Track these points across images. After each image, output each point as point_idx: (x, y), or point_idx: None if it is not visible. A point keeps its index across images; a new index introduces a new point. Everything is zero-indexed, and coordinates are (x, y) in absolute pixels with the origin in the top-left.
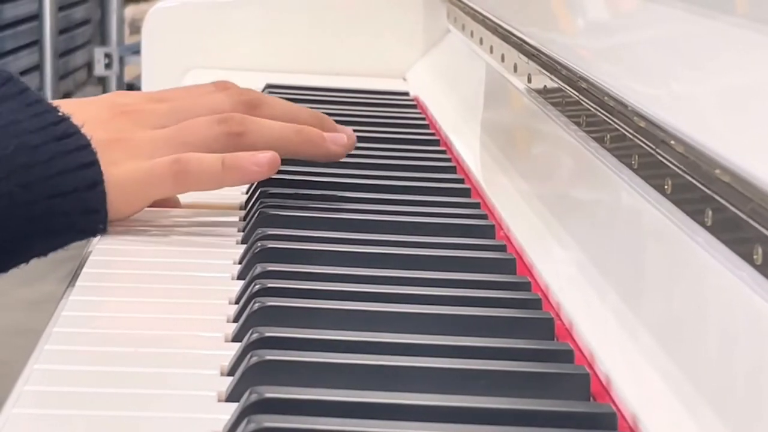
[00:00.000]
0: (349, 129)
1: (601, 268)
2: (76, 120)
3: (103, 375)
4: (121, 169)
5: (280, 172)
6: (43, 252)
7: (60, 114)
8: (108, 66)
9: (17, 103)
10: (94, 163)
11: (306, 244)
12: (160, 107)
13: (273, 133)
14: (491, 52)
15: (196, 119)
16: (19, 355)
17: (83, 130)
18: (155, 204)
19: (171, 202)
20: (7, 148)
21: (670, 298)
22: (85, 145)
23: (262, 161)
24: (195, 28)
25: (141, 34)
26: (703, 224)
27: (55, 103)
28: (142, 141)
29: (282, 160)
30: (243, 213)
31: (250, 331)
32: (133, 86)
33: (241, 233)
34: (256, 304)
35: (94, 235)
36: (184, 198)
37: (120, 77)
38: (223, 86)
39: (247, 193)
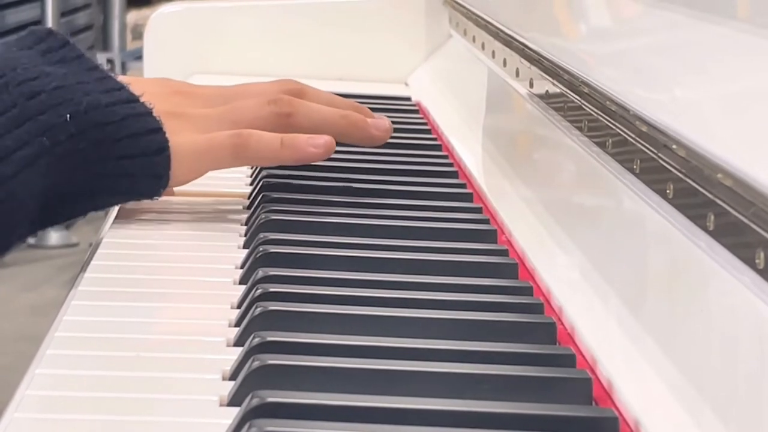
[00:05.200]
0: (385, 117)
1: (603, 272)
2: (134, 89)
3: (105, 379)
4: (182, 139)
5: (281, 176)
6: (102, 207)
7: (120, 81)
8: (110, 71)
9: (77, 66)
10: (160, 130)
11: (308, 248)
12: (209, 91)
13: (320, 116)
14: (493, 56)
15: (247, 100)
16: (23, 361)
17: (143, 99)
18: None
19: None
20: (80, 105)
21: (672, 302)
22: (149, 112)
23: (319, 143)
24: (197, 33)
25: (143, 39)
26: (705, 228)
27: (110, 72)
28: (197, 116)
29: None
30: (245, 217)
31: (252, 336)
32: None
33: (244, 238)
34: (258, 309)
35: (152, 198)
36: (187, 198)
37: None
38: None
39: (249, 197)
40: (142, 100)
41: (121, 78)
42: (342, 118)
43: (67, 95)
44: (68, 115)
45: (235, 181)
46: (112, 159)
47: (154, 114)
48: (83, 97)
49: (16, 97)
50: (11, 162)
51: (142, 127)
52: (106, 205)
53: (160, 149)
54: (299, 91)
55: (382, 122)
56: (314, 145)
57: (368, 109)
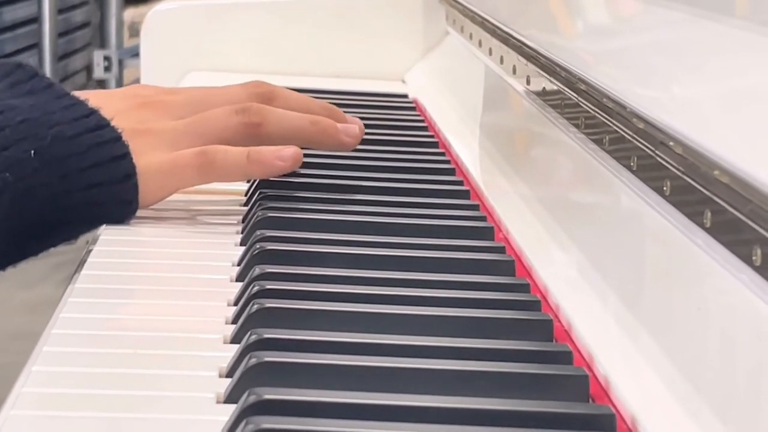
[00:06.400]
0: (358, 119)
1: (600, 269)
2: (104, 113)
3: (102, 377)
4: (146, 160)
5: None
6: (74, 237)
7: (90, 107)
8: (107, 69)
9: (47, 96)
10: (126, 156)
11: (305, 246)
12: (177, 98)
13: (289, 124)
14: (490, 54)
15: (215, 110)
16: (19, 359)
17: (113, 123)
18: None
19: None
20: (44, 139)
21: (669, 299)
22: (117, 138)
23: (286, 156)
24: (194, 30)
25: (140, 36)
26: (702, 226)
27: (81, 95)
28: (163, 131)
29: None
30: (242, 215)
31: (249, 333)
32: None
33: (240, 235)
34: (255, 306)
35: (124, 223)
36: (183, 195)
37: (119, 80)
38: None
39: (246, 195)
40: (113, 123)
41: (92, 100)
42: (312, 125)
43: (32, 129)
44: (32, 151)
45: None
46: (79, 189)
47: (123, 139)
48: (48, 130)
49: None
50: None
51: (108, 155)
52: (77, 235)
53: (127, 176)
54: (269, 94)
55: (352, 128)
56: (281, 158)
57: (340, 111)
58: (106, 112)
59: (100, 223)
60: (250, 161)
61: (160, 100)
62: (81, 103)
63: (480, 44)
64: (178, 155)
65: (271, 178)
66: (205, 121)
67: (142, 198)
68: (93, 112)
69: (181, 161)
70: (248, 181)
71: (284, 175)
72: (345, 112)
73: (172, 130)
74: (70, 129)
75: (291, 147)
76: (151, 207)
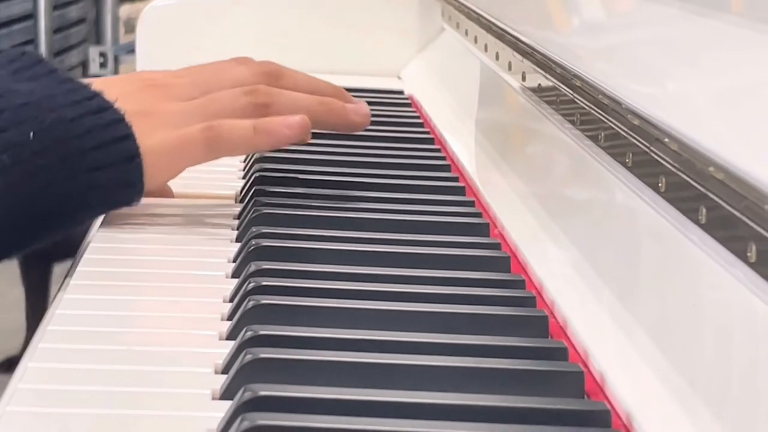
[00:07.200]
0: (364, 102)
1: (596, 265)
2: (107, 96)
3: (98, 373)
4: (152, 140)
5: (274, 170)
6: (79, 223)
7: (92, 90)
8: (103, 65)
9: (49, 81)
10: (129, 137)
11: (300, 242)
12: (183, 81)
13: (298, 104)
14: (486, 50)
15: (223, 91)
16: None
17: (116, 105)
18: (151, 194)
19: (165, 192)
20: (43, 122)
21: (665, 295)
22: (120, 119)
23: (294, 124)
24: (190, 26)
25: (136, 33)
26: (697, 222)
27: (85, 81)
28: (171, 112)
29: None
30: (238, 211)
31: (245, 329)
32: None
33: (236, 231)
34: (251, 302)
35: (130, 206)
36: (178, 192)
37: None
38: (242, 60)
39: (242, 191)
40: (116, 105)
41: (95, 85)
42: (320, 105)
43: (32, 112)
44: (32, 133)
45: (227, 175)
46: (81, 173)
47: (126, 120)
48: (48, 113)
49: None
50: None
51: (110, 136)
52: (82, 221)
53: (131, 157)
54: (277, 73)
55: (361, 107)
56: (288, 126)
57: (347, 92)
58: (109, 95)
59: (106, 208)
60: (257, 132)
61: (165, 83)
62: (83, 87)
63: (475, 40)
64: (183, 132)
65: (267, 174)
66: (213, 102)
67: (150, 179)
68: (95, 95)
69: (187, 137)
70: (244, 178)
71: (280, 172)
72: None
73: (179, 111)
74: (71, 111)
75: (298, 115)
76: (148, 205)
